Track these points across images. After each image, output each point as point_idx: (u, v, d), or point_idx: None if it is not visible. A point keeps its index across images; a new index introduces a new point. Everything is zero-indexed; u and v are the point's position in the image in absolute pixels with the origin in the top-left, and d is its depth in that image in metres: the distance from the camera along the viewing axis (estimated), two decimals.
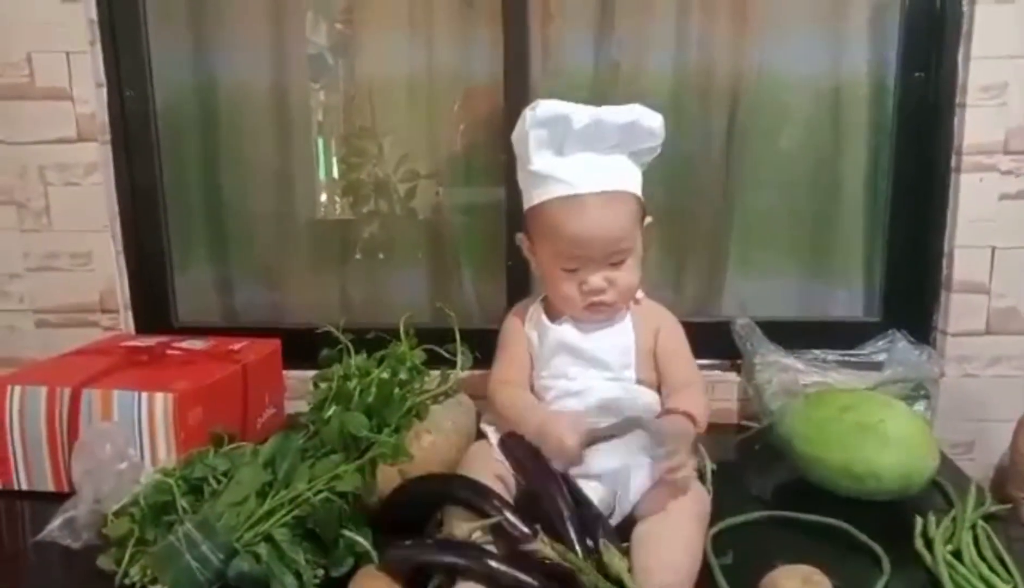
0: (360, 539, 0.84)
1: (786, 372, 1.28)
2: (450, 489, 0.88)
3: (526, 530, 0.81)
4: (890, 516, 0.99)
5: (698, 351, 1.35)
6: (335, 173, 1.57)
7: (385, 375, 0.97)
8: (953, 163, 1.30)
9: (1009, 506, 1.05)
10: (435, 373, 1.10)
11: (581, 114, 0.96)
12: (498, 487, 0.89)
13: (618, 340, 1.04)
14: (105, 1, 1.34)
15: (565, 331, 1.04)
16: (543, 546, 0.78)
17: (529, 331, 1.07)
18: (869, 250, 1.44)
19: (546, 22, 1.40)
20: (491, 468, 0.93)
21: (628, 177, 1.01)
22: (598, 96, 1.37)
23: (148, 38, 1.39)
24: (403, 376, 1.00)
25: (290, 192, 1.53)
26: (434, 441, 0.97)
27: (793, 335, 1.36)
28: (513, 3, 1.34)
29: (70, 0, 1.30)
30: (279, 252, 1.55)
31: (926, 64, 1.31)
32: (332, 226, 1.59)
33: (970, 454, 1.36)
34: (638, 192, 1.03)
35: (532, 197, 1.02)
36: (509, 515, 0.82)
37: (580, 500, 0.87)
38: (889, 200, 1.39)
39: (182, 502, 0.89)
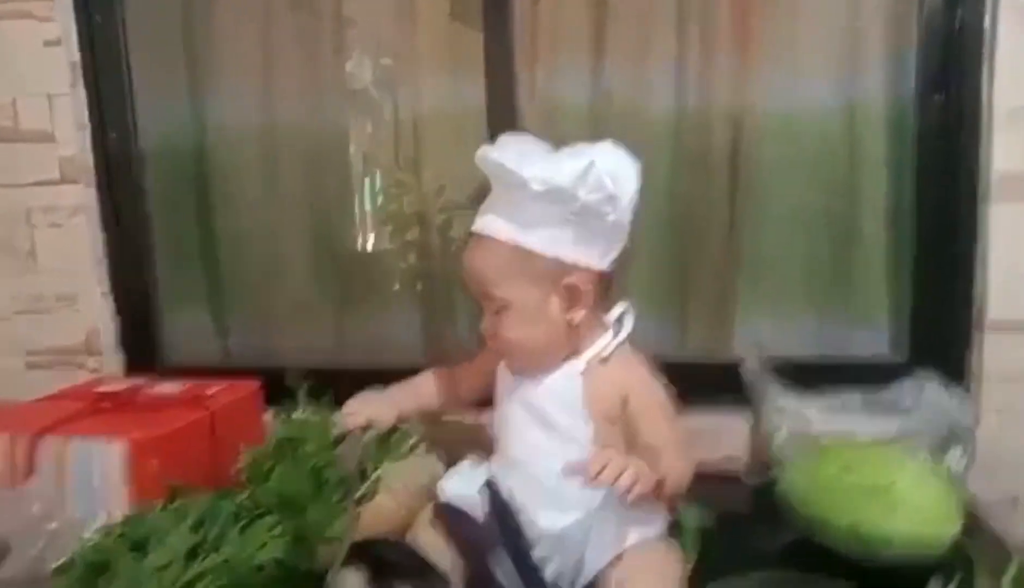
0: None
1: (797, 418, 1.16)
2: (387, 558, 0.80)
3: None
4: (909, 581, 0.87)
5: (706, 394, 1.27)
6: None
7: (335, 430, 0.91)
8: (980, 192, 1.18)
9: None
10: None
11: (507, 175, 0.86)
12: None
13: (562, 396, 0.92)
14: (87, 44, 1.34)
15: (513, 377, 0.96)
16: None
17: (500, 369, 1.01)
18: (895, 286, 1.32)
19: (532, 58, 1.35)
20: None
21: (525, 228, 0.88)
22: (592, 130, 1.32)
23: (132, 80, 1.39)
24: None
25: (286, 231, 1.49)
26: (380, 502, 0.89)
27: (813, 376, 1.23)
28: (495, 38, 1.29)
29: (52, 44, 1.30)
30: (276, 291, 1.50)
31: (945, 85, 1.20)
32: (330, 264, 1.53)
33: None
34: (538, 248, 0.88)
35: None
36: None
37: (527, 570, 0.78)
38: (915, 232, 1.27)
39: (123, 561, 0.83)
